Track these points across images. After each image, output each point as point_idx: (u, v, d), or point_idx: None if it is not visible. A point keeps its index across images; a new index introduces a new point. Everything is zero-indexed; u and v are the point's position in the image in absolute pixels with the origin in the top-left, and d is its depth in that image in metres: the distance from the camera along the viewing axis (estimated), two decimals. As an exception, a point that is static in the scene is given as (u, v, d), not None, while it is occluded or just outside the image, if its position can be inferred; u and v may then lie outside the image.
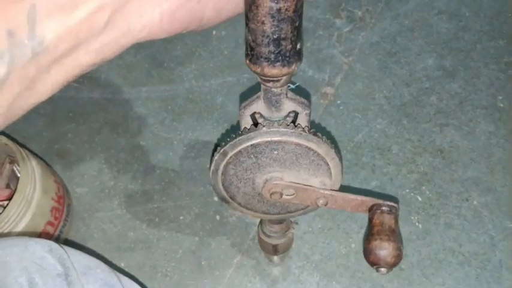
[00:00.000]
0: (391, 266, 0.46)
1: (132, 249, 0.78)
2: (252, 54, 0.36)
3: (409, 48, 0.97)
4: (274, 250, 0.68)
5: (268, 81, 0.39)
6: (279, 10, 0.31)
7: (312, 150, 0.46)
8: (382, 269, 0.47)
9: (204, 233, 0.79)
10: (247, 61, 0.37)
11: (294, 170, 0.49)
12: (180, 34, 0.98)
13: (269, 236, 0.65)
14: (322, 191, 0.49)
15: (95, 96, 0.94)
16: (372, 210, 0.49)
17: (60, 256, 0.48)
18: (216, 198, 0.82)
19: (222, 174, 0.50)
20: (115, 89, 0.95)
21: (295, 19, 0.33)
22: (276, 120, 0.45)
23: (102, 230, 0.80)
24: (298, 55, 0.37)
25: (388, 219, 0.47)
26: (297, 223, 0.77)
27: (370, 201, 0.49)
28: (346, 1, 1.04)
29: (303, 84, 0.93)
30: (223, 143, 0.47)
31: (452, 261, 0.74)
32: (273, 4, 0.31)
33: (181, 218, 0.81)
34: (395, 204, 0.48)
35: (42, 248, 0.48)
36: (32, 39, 0.22)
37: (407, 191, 0.81)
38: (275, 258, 0.73)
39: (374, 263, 0.46)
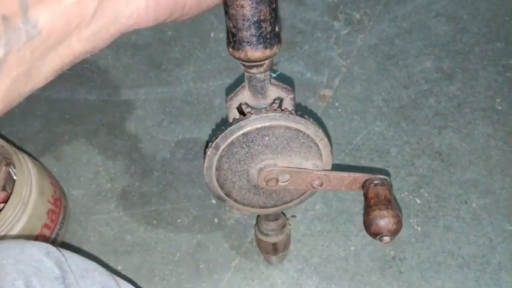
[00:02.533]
0: (393, 233, 0.47)
1: (129, 252, 0.77)
2: (234, 40, 0.36)
3: (407, 51, 0.97)
4: (274, 249, 0.68)
5: (252, 66, 0.40)
6: None
7: (301, 132, 0.47)
8: (386, 238, 0.47)
9: (202, 236, 0.78)
10: (230, 49, 0.38)
11: (286, 155, 0.49)
12: (178, 36, 0.97)
13: (267, 235, 0.65)
14: (316, 172, 0.50)
15: (91, 97, 0.94)
16: (365, 185, 0.49)
17: (57, 259, 0.47)
18: (214, 201, 0.81)
19: (216, 169, 0.49)
20: (112, 90, 0.94)
21: (272, 1, 0.34)
22: (263, 107, 0.46)
23: (99, 233, 0.79)
24: (278, 37, 0.38)
25: (382, 191, 0.48)
26: (294, 216, 0.76)
27: (362, 177, 0.49)
28: (344, 4, 1.04)
29: (301, 86, 0.93)
30: (214, 138, 0.47)
31: (452, 264, 0.73)
32: None
33: (179, 220, 0.80)
34: (386, 177, 0.49)
35: (39, 251, 0.47)
36: (26, 23, 0.23)
37: (406, 193, 0.80)
38: (274, 259, 0.72)
39: (376, 233, 0.46)
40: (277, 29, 0.37)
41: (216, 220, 0.79)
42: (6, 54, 0.23)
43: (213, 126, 0.89)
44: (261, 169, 0.49)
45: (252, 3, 0.33)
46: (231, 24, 0.35)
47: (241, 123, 0.45)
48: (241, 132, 0.46)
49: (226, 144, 0.47)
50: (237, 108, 0.47)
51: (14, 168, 0.68)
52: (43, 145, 0.89)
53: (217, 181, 0.51)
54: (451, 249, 0.75)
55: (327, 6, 1.04)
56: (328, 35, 1.00)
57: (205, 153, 0.49)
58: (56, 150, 0.88)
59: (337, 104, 0.91)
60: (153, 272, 0.75)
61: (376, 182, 0.49)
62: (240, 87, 0.46)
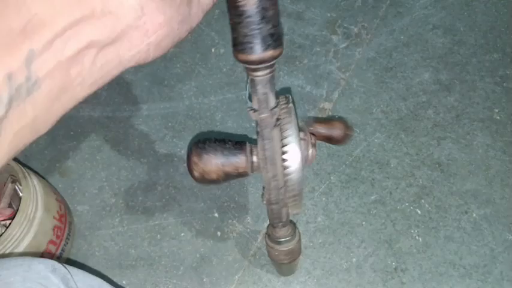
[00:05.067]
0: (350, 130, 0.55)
1: (133, 266, 0.78)
2: (251, 46, 0.38)
3: (405, 63, 0.98)
4: (291, 256, 0.65)
5: (270, 66, 0.41)
6: None
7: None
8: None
9: (205, 250, 0.79)
10: (245, 55, 0.38)
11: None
12: (179, 52, 0.98)
13: (288, 241, 0.63)
14: None
15: (95, 114, 0.95)
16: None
17: (63, 276, 0.48)
18: (216, 215, 0.82)
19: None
20: (116, 106, 0.96)
21: (277, 3, 0.37)
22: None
23: (104, 248, 0.80)
24: (283, 35, 0.41)
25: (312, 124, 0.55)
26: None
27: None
28: (342, 18, 1.06)
29: (301, 99, 0.95)
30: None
31: (454, 274, 0.74)
32: None
33: (182, 234, 0.81)
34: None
35: (46, 268, 0.48)
36: (28, 81, 0.23)
37: (406, 204, 0.81)
38: (294, 266, 0.70)
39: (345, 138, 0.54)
40: (281, 28, 0.39)
41: (218, 233, 0.80)
42: (7, 111, 0.22)
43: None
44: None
45: (262, 9, 0.36)
46: (245, 31, 0.37)
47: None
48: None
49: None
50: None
51: (20, 185, 0.70)
52: (48, 161, 0.90)
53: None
54: (453, 260, 0.75)
55: (325, 20, 1.06)
56: (327, 49, 1.01)
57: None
58: (61, 167, 0.90)
59: (336, 116, 0.92)
60: (158, 286, 0.76)
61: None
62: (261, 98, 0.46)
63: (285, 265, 0.70)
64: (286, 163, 0.48)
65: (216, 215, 0.82)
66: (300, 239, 0.68)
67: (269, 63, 0.40)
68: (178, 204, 0.84)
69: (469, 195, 0.82)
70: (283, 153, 0.48)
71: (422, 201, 0.81)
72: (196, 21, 0.32)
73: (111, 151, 0.91)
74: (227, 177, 0.53)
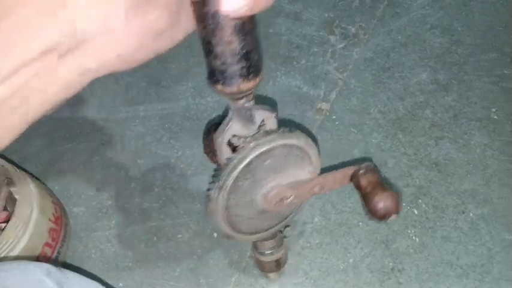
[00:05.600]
0: (398, 210, 0.48)
1: (130, 268, 0.78)
2: (224, 77, 0.36)
3: (402, 63, 0.98)
4: (277, 265, 0.68)
5: (242, 97, 0.40)
6: (243, 25, 0.32)
7: (295, 146, 0.48)
8: (393, 216, 0.48)
9: (202, 251, 0.79)
10: (220, 86, 0.36)
11: (285, 171, 0.50)
12: (176, 53, 0.97)
13: (271, 253, 0.65)
14: (315, 180, 0.51)
15: (92, 116, 0.95)
16: (354, 177, 0.51)
17: (58, 280, 0.48)
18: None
19: (224, 209, 0.49)
20: (112, 108, 0.96)
21: (255, 28, 0.34)
22: (254, 133, 0.46)
23: (100, 250, 0.80)
24: (262, 61, 0.38)
25: (372, 177, 0.50)
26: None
27: (350, 170, 0.51)
28: (340, 18, 1.05)
29: (298, 100, 0.94)
30: (216, 180, 0.47)
31: (451, 274, 0.74)
32: (236, 21, 0.31)
33: (179, 236, 0.81)
34: (369, 163, 0.51)
35: (41, 272, 0.48)
36: None
37: (403, 204, 0.81)
38: (276, 275, 0.73)
39: (385, 215, 0.48)
40: (260, 54, 0.37)
41: (215, 235, 0.80)
42: None
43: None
44: (266, 194, 0.50)
45: (239, 36, 0.33)
46: (218, 62, 0.34)
47: (242, 154, 0.45)
48: (244, 163, 0.46)
49: (231, 181, 0.47)
50: (227, 143, 0.47)
51: (15, 187, 0.69)
52: (44, 163, 0.90)
53: (225, 220, 0.51)
54: (450, 260, 0.75)
55: (323, 21, 1.05)
56: (325, 49, 1.01)
57: (209, 198, 0.48)
58: (58, 168, 0.90)
59: (334, 117, 0.92)
60: None
61: (362, 171, 0.50)
62: (227, 121, 0.45)
63: (276, 272, 0.71)
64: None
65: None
66: (286, 250, 0.69)
67: (244, 94, 0.39)
68: (175, 206, 0.84)
69: (466, 195, 0.81)
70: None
71: (420, 201, 0.81)
72: (180, 37, 0.31)
73: (107, 153, 0.91)
74: None
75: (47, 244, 0.68)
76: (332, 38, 1.03)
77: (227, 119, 0.45)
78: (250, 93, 0.40)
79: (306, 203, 0.56)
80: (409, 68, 0.97)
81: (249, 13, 0.28)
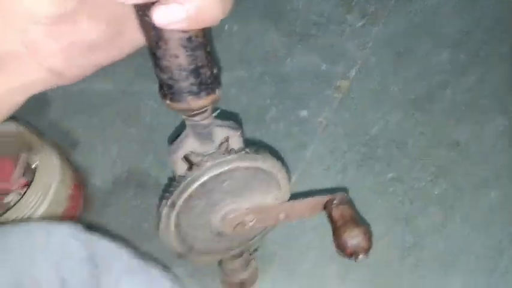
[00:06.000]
0: (368, 250, 0.47)
1: (149, 240, 0.77)
2: (171, 92, 0.33)
3: (422, 44, 0.97)
4: (241, 286, 0.66)
5: (195, 115, 0.36)
6: (189, 39, 0.29)
7: (260, 169, 0.45)
8: (361, 256, 0.46)
9: (219, 225, 0.78)
10: (168, 101, 0.33)
11: (247, 195, 0.47)
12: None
13: (233, 273, 0.63)
14: (280, 206, 0.49)
15: (107, 88, 0.94)
16: (327, 207, 0.49)
17: (84, 240, 0.48)
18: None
19: (175, 227, 0.46)
20: (128, 81, 0.95)
21: (207, 43, 0.30)
22: (212, 152, 0.43)
23: (118, 222, 0.79)
24: (218, 79, 0.34)
25: (345, 210, 0.48)
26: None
27: (322, 199, 0.49)
28: (359, -4, 1.04)
29: (316, 78, 0.93)
30: (167, 194, 0.44)
31: (471, 255, 0.73)
32: (182, 34, 0.28)
33: (196, 210, 0.80)
34: (344, 194, 0.49)
35: (67, 230, 0.47)
36: None
37: (423, 183, 0.80)
38: None
39: (352, 254, 0.46)
40: (215, 71, 0.33)
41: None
42: None
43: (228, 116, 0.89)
44: (223, 217, 0.47)
45: (186, 50, 0.29)
46: (165, 76, 0.31)
47: (197, 174, 0.42)
48: (198, 183, 0.43)
49: (183, 200, 0.43)
50: (184, 158, 0.43)
51: (35, 156, 0.68)
52: (59, 136, 0.89)
53: (177, 239, 0.47)
54: (470, 240, 0.75)
55: (341, -2, 1.04)
56: (343, 27, 1.00)
57: (158, 211, 0.44)
58: (72, 141, 0.88)
59: (353, 95, 0.91)
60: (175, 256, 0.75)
61: (335, 202, 0.48)
62: (182, 136, 0.41)
63: None
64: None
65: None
66: (256, 267, 0.66)
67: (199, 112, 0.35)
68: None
69: (486, 176, 0.81)
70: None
71: (440, 180, 0.80)
72: (126, 50, 0.29)
73: (122, 126, 0.90)
74: None
75: (65, 212, 0.67)
76: (350, 16, 1.01)
77: (183, 134, 0.41)
78: (205, 111, 0.36)
79: (270, 229, 0.54)
80: (429, 48, 0.96)
81: (187, 28, 0.26)
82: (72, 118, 0.91)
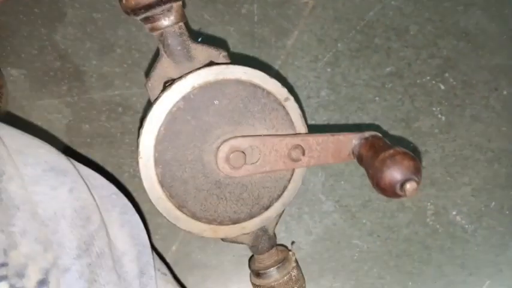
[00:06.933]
0: (420, 172, 0.35)
1: (89, 144, 0.61)
2: None
3: None
4: None
5: (159, 16, 0.36)
6: None
7: (259, 87, 0.38)
8: (414, 181, 0.34)
9: (180, 126, 0.63)
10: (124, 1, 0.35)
11: (247, 124, 0.39)
12: None
13: (266, 275, 0.48)
14: (289, 137, 0.39)
15: None
16: (356, 147, 0.40)
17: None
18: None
19: (157, 164, 0.37)
20: None
21: None
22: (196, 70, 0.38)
23: (48, 122, 0.62)
24: None
25: (378, 141, 0.39)
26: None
27: (349, 137, 0.40)
28: None
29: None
30: (144, 116, 0.39)
31: (480, 158, 0.63)
32: None
33: (151, 108, 0.64)
34: (376, 133, 0.41)
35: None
36: None
37: (428, 78, 0.67)
38: None
39: (405, 181, 0.34)
40: None
41: (198, 107, 0.64)
42: None
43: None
44: (218, 146, 0.38)
45: None
46: None
47: (176, 84, 0.36)
48: (179, 96, 0.36)
49: (162, 120, 0.36)
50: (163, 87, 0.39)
51: None
52: None
53: (162, 185, 0.38)
54: (479, 142, 0.63)
55: None
56: None
57: (137, 147, 0.37)
58: None
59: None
60: (121, 168, 0.60)
61: (367, 136, 0.40)
62: (157, 61, 0.40)
63: None
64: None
65: (194, 85, 0.65)
66: (296, 266, 0.50)
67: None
68: (145, 72, 0.66)
69: (499, 70, 0.68)
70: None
71: (446, 74, 0.67)
72: None
73: (53, 2, 0.69)
74: None
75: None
76: None
77: (158, 56, 0.39)
78: (168, 10, 0.36)
79: (291, 194, 0.42)
80: None
81: None
82: None
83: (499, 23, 0.72)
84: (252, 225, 0.42)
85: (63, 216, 0.38)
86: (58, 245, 0.37)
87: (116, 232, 0.43)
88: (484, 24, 0.72)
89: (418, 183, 0.33)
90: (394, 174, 0.33)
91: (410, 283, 0.59)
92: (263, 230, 0.45)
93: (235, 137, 0.37)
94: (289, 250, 0.51)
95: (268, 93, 0.38)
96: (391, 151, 0.35)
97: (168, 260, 0.59)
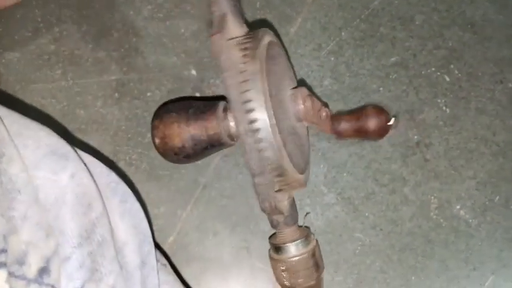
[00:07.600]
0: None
1: (83, 131, 0.59)
2: None
3: None
4: (316, 264, 0.50)
5: None
6: None
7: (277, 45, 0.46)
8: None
9: (179, 114, 0.61)
10: None
11: (287, 75, 0.47)
12: None
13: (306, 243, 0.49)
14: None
15: None
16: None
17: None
18: (194, 72, 0.63)
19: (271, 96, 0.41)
20: None
21: None
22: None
23: (42, 107, 0.60)
24: None
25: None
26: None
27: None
28: None
29: None
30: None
31: (485, 152, 0.61)
32: None
33: (148, 94, 0.62)
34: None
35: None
36: None
37: (433, 69, 0.65)
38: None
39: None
40: None
41: (198, 95, 0.62)
42: None
43: (192, -22, 0.68)
44: (292, 93, 0.45)
45: None
46: None
47: (262, 31, 0.43)
48: (268, 38, 0.43)
49: (265, 46, 0.42)
50: None
51: None
52: None
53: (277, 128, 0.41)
54: (485, 135, 0.62)
55: None
56: None
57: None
58: (-22, 1, 0.65)
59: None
60: (117, 155, 0.58)
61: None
62: (219, 17, 0.42)
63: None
64: (252, 125, 0.38)
65: (194, 72, 0.63)
66: (317, 247, 0.50)
67: None
68: (142, 57, 0.64)
69: (505, 62, 0.67)
70: (248, 111, 0.38)
71: (452, 66, 0.66)
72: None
73: None
74: (196, 144, 0.43)
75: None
76: None
77: (217, 17, 0.41)
78: None
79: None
80: None
81: None
82: None
83: (506, 15, 0.70)
84: (307, 172, 0.47)
85: (63, 202, 0.36)
86: (59, 232, 0.35)
87: (116, 221, 0.41)
88: (491, 15, 0.70)
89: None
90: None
91: (413, 277, 0.58)
92: (293, 199, 0.48)
93: (300, 92, 0.44)
94: (307, 227, 0.54)
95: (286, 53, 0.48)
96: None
97: (165, 251, 0.57)
